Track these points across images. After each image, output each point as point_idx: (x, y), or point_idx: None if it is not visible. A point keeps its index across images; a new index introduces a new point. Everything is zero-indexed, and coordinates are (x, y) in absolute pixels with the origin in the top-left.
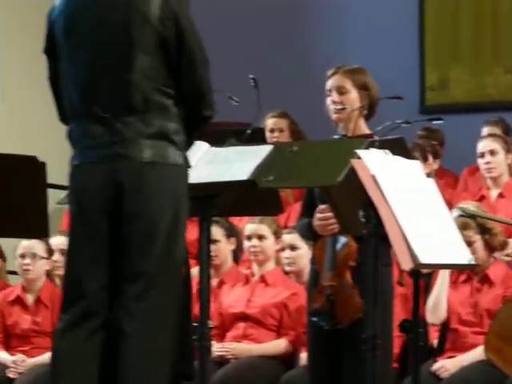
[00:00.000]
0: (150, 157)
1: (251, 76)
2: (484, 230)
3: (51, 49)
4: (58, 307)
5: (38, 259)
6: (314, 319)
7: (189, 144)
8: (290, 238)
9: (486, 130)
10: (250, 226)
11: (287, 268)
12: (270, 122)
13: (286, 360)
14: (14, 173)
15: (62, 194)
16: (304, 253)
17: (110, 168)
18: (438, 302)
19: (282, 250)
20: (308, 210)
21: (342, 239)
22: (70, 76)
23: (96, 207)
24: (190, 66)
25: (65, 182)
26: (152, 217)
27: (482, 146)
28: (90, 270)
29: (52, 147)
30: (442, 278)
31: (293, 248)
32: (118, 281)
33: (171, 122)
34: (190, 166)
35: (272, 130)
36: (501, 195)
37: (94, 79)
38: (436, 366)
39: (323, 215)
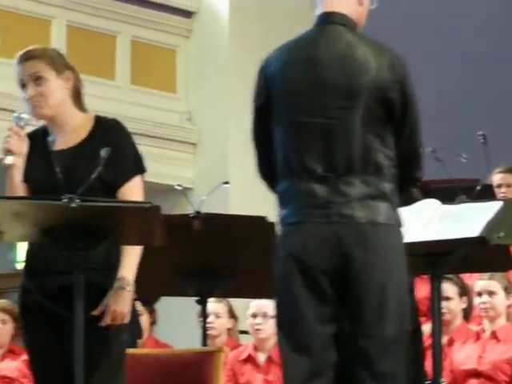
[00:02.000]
0: (374, 218)
1: (480, 132)
2: None
3: (263, 103)
4: None
5: (269, 318)
6: None
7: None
8: None
9: None
10: (480, 282)
11: None
12: (496, 178)
13: None
14: (243, 233)
15: None
16: None
17: (334, 228)
18: None
19: None
20: None
21: None
22: (288, 135)
23: (319, 268)
24: (411, 130)
25: None
26: (382, 279)
27: None
28: (315, 330)
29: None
30: None
31: None
32: (348, 343)
33: (388, 182)
34: (402, 226)
35: (499, 186)
36: None
37: (315, 139)
38: None
39: None
